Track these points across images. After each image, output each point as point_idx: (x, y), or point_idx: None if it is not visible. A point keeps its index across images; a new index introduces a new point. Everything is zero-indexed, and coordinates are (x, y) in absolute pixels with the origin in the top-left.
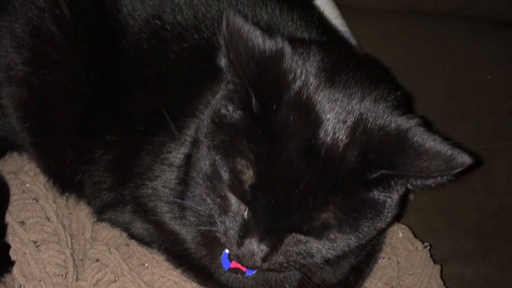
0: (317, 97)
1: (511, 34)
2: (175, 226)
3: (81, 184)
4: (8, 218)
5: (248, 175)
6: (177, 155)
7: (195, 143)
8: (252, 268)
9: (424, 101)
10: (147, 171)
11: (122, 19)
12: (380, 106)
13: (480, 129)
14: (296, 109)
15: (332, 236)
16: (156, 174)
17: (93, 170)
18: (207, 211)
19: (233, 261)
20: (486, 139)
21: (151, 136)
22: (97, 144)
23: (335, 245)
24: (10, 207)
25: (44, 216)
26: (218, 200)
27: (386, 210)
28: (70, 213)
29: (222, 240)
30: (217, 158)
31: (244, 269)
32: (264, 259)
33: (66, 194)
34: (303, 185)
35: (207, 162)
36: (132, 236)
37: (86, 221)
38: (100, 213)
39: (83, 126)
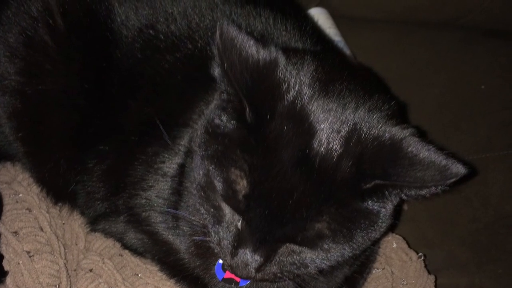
0: (311, 107)
1: (505, 44)
2: (169, 236)
3: (74, 194)
4: (1, 228)
5: (242, 185)
6: (171, 165)
7: (188, 153)
8: (246, 278)
9: (418, 111)
10: (141, 181)
11: (116, 29)
12: (374, 116)
13: (475, 139)
14: (290, 119)
15: (326, 246)
16: (150, 184)
17: (86, 180)
18: (201, 221)
19: (227, 272)
20: (481, 149)
21: (145, 146)
22: (91, 154)
23: (329, 255)
24: (3, 217)
25: (38, 226)
26: (212, 210)
27: (380, 220)
28: (64, 223)
29: (216, 250)
30: (210, 168)
31: (238, 279)
32: (258, 270)
33: (60, 204)
34: (297, 195)
35: (201, 172)
36: (125, 246)
37: (79, 231)
38: (94, 223)
39: (77, 136)
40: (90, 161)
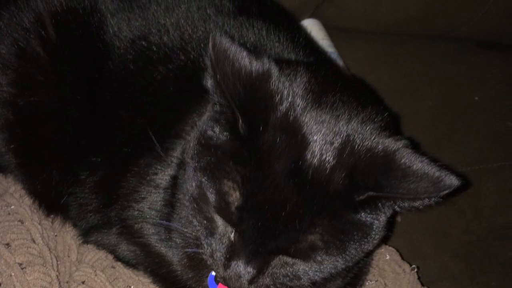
0: (304, 118)
1: (499, 56)
2: (161, 248)
3: (66, 206)
4: None
5: (235, 197)
6: (163, 176)
7: (181, 164)
8: None
9: (411, 122)
10: (133, 193)
11: (108, 40)
12: (367, 128)
13: (468, 151)
14: (283, 131)
15: (319, 258)
16: (142, 196)
17: (78, 192)
18: (194, 233)
19: (220, 284)
20: (474, 161)
21: (137, 157)
22: (83, 166)
23: (322, 267)
24: None
25: (30, 238)
26: (205, 222)
27: (374, 232)
28: (56, 235)
29: (208, 262)
30: (203, 179)
31: None
32: (250, 282)
33: (52, 216)
34: (289, 207)
35: (194, 184)
36: (118, 258)
37: (71, 243)
38: (86, 235)
39: (69, 147)
40: (82, 173)
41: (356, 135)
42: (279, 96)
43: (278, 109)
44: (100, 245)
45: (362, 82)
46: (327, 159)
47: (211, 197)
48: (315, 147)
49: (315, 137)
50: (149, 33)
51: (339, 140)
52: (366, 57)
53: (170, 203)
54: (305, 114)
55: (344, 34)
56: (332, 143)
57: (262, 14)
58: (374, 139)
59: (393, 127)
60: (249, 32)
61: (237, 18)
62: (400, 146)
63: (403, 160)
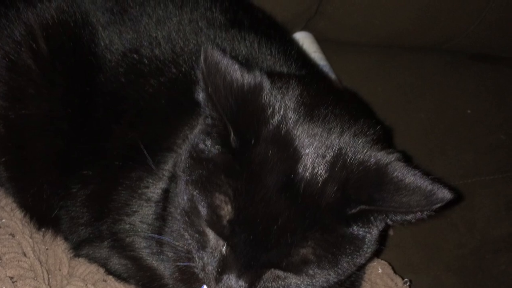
0: (296, 131)
1: (492, 68)
2: (153, 262)
3: (58, 219)
4: None
5: (226, 210)
6: (155, 190)
7: (173, 178)
8: None
9: (404, 135)
10: (125, 206)
11: (99, 53)
12: (360, 141)
13: (461, 164)
14: (275, 144)
15: (311, 272)
16: (134, 209)
17: (70, 205)
18: (185, 247)
19: None
20: (467, 174)
21: (129, 171)
22: (74, 179)
23: (314, 281)
24: None
25: (21, 252)
26: (196, 235)
27: (366, 246)
28: (47, 249)
29: (200, 276)
30: (195, 193)
31: None
32: None
33: (43, 229)
34: (281, 220)
35: (185, 197)
36: (109, 271)
37: (63, 256)
38: (77, 248)
39: (60, 161)
40: (73, 186)
41: (348, 148)
42: (271, 109)
43: (270, 122)
44: (92, 259)
45: (355, 94)
46: (319, 172)
47: (203, 210)
48: (307, 161)
49: (307, 151)
50: (141, 46)
51: (331, 154)
52: (358, 70)
53: (162, 217)
54: (297, 127)
55: (336, 46)
56: (324, 157)
57: (254, 27)
58: (366, 152)
59: (385, 140)
60: (241, 45)
61: (229, 31)
62: (393, 159)
63: (395, 174)
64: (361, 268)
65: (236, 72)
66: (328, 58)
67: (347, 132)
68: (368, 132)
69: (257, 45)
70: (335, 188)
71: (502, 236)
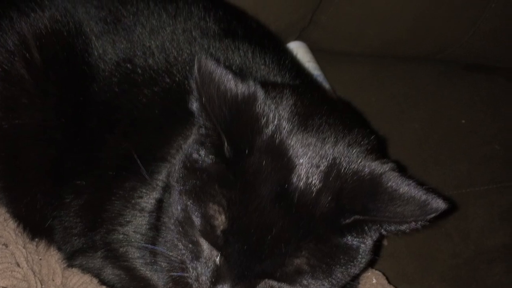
0: (290, 141)
1: (486, 78)
2: (147, 272)
3: (51, 229)
4: None
5: (220, 220)
6: (149, 200)
7: (166, 188)
8: None
9: (398, 145)
10: (118, 216)
11: (93, 63)
12: (354, 151)
13: (455, 174)
14: (269, 154)
15: (305, 282)
16: (127, 219)
17: (63, 215)
18: (179, 257)
19: None
20: (461, 184)
21: (122, 181)
22: (68, 189)
23: None
24: None
25: (14, 262)
26: (190, 245)
27: (360, 256)
28: (40, 259)
29: (194, 286)
30: (188, 203)
31: None
32: None
33: (37, 239)
34: (275, 230)
35: (179, 207)
36: (103, 282)
37: (56, 267)
38: (71, 258)
39: (53, 170)
40: (67, 196)
41: (342, 158)
42: (264, 119)
43: (264, 132)
44: (85, 269)
45: (349, 104)
46: (313, 182)
47: (197, 220)
48: (301, 170)
49: (301, 160)
50: (134, 56)
51: (325, 163)
52: (352, 80)
53: (155, 227)
54: (291, 137)
55: (330, 56)
56: (318, 166)
57: (248, 36)
58: (360, 162)
59: (379, 150)
60: (235, 55)
61: (223, 41)
62: (387, 169)
63: (389, 184)
64: (355, 278)
65: (230, 82)
66: (322, 68)
67: (341, 142)
68: (362, 142)
69: (251, 54)
70: (329, 198)
71: (496, 246)
